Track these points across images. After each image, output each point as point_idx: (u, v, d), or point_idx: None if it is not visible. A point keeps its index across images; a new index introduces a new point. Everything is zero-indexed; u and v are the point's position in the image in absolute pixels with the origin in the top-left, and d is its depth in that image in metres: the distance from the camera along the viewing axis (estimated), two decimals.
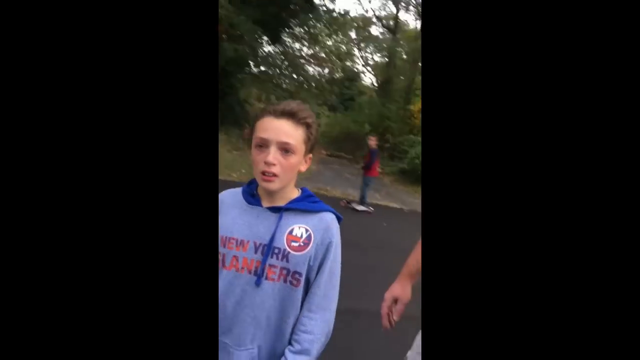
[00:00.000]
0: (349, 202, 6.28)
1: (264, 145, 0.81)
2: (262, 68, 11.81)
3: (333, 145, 13.66)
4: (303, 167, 0.87)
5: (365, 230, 4.71)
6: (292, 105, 0.83)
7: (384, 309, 1.15)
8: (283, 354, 0.85)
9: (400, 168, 9.77)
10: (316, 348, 0.85)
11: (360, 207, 6.10)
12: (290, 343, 0.85)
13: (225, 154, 8.28)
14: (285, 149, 0.81)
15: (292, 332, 0.86)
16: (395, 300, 1.14)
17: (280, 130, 0.80)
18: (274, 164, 0.80)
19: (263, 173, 0.81)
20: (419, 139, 9.97)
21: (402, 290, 1.15)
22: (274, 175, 0.80)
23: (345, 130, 13.84)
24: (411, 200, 7.55)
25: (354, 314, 2.72)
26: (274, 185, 0.82)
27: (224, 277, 0.85)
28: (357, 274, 3.13)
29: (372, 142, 6.36)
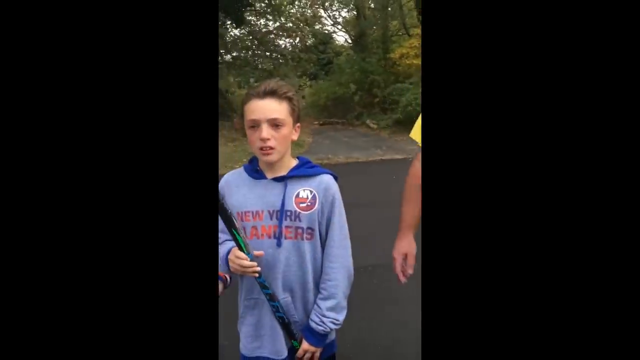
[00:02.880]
0: None
1: (255, 125, 0.94)
2: (234, 54, 11.51)
3: (323, 113, 13.50)
4: (295, 137, 0.99)
5: (377, 187, 4.76)
6: (272, 83, 0.94)
7: (397, 268, 1.23)
8: (309, 298, 1.02)
9: (395, 119, 9.69)
10: (341, 291, 1.01)
11: None
12: (319, 292, 1.02)
13: (222, 148, 8.25)
14: (275, 124, 0.93)
15: (318, 278, 1.03)
16: (405, 256, 1.22)
17: (267, 108, 0.92)
18: (268, 139, 0.92)
19: (261, 149, 0.93)
20: (408, 85, 9.81)
21: (408, 244, 1.23)
22: (271, 148, 0.93)
23: (332, 95, 13.63)
24: (412, 147, 7.56)
25: (378, 268, 2.80)
26: (273, 157, 0.95)
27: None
28: (379, 230, 3.19)
29: None
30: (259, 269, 0.94)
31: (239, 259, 0.93)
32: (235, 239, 0.93)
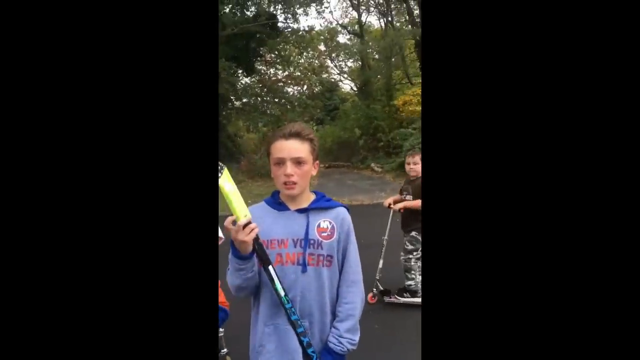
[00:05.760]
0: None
1: (281, 162, 1.06)
2: (244, 100, 12.05)
3: (329, 156, 13.78)
4: (314, 172, 1.12)
5: (385, 229, 4.79)
6: (296, 126, 1.08)
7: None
8: (326, 322, 1.08)
9: (399, 162, 9.88)
10: (357, 312, 1.11)
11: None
12: (336, 315, 1.10)
13: None
14: (298, 162, 1.05)
15: (334, 304, 1.10)
16: None
17: (291, 148, 1.05)
18: (292, 175, 1.04)
19: (285, 183, 1.05)
20: (410, 130, 10.08)
21: None
22: (294, 183, 1.05)
23: (337, 139, 13.99)
24: None
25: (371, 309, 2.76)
26: (295, 191, 1.07)
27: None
28: (387, 272, 3.19)
29: None
30: (255, 229, 0.95)
31: (234, 227, 0.93)
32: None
